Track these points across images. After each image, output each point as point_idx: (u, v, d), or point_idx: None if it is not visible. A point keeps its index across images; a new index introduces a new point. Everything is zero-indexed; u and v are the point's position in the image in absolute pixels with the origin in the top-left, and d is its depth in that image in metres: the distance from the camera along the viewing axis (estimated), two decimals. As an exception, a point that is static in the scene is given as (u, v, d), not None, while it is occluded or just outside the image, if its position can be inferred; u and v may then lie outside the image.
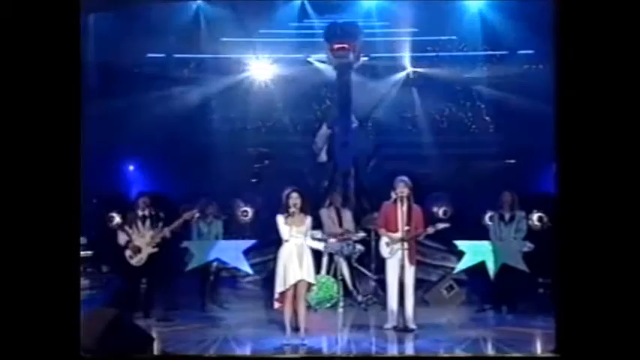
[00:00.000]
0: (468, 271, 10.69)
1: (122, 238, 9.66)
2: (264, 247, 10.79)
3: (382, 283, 9.58)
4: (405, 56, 12.80)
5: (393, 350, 8.01)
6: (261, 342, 7.95)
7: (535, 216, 11.39)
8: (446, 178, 12.75)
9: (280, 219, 7.81)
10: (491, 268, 10.15)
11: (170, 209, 10.12)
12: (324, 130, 12.83)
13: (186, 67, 13.19)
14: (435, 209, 12.01)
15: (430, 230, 8.91)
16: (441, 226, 9.04)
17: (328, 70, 12.56)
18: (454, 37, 12.78)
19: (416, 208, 8.75)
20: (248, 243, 10.91)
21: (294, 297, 7.78)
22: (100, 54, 11.36)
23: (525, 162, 12.30)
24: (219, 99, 13.26)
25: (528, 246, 10.10)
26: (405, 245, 8.62)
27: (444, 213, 12.12)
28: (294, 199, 7.75)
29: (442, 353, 7.47)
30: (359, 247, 10.82)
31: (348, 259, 10.61)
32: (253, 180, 13.55)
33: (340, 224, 10.62)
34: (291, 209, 7.74)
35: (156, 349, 7.01)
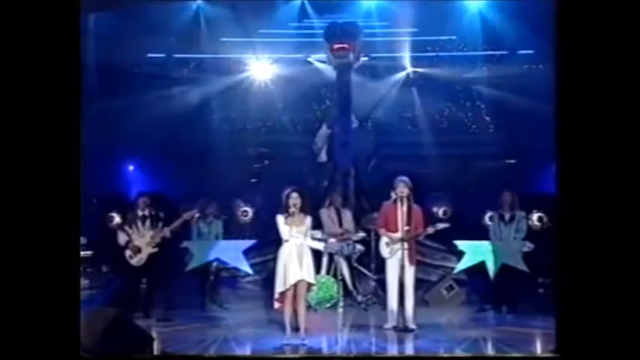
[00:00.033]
0: (468, 271, 10.69)
1: (122, 238, 9.67)
2: (264, 247, 10.79)
3: (382, 283, 9.58)
4: (405, 56, 12.80)
5: (393, 350, 8.01)
6: (261, 342, 7.95)
7: (535, 216, 11.39)
8: (446, 178, 12.75)
9: (280, 219, 7.81)
10: (491, 268, 10.15)
11: (170, 209, 10.13)
12: (324, 130, 12.83)
13: (186, 67, 13.18)
14: (435, 209, 12.01)
15: (430, 230, 8.91)
16: (440, 226, 9.04)
17: (328, 70, 12.56)
18: (454, 37, 12.77)
19: (416, 208, 8.75)
20: (248, 243, 10.91)
21: (294, 297, 7.78)
22: (100, 54, 11.36)
23: (525, 162, 12.29)
24: (219, 99, 13.25)
25: (528, 246, 10.10)
26: (405, 245, 8.62)
27: (444, 213, 12.12)
28: (294, 199, 7.75)
29: (442, 353, 7.47)
30: (359, 247, 10.82)
31: (348, 259, 10.61)
32: (253, 180, 13.54)
33: (340, 224, 10.62)
34: (291, 209, 7.74)
35: (156, 349, 7.00)
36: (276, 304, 7.92)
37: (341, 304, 10.11)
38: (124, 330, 6.24)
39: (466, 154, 13.02)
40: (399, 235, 8.67)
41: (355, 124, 12.52)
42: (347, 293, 10.47)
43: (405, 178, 8.74)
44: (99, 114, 10.54)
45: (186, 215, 9.78)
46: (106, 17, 11.36)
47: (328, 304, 10.07)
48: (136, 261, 9.58)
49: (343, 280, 10.34)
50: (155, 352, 6.85)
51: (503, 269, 10.05)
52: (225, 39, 12.44)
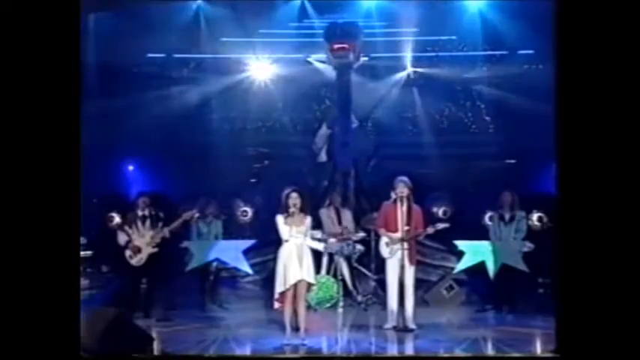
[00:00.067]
0: (467, 271, 10.70)
1: (122, 238, 9.67)
2: (263, 247, 10.79)
3: (382, 283, 9.58)
4: (405, 56, 12.78)
5: (392, 350, 8.00)
6: (261, 342, 7.95)
7: (535, 216, 11.38)
8: (446, 178, 12.73)
9: (280, 219, 7.80)
10: (491, 268, 10.16)
11: (170, 209, 10.13)
12: (324, 130, 12.83)
13: (185, 67, 13.17)
14: (434, 209, 12.00)
15: (430, 230, 8.90)
16: (440, 226, 9.04)
17: (328, 70, 12.55)
18: (454, 37, 12.75)
19: (416, 208, 8.75)
20: (248, 243, 10.92)
21: (294, 297, 7.77)
22: (99, 54, 11.35)
23: (525, 162, 12.27)
24: (219, 99, 13.23)
25: (528, 246, 10.10)
26: (405, 245, 8.62)
27: (444, 213, 12.11)
28: (294, 199, 7.75)
29: (442, 353, 7.47)
30: (359, 247, 10.82)
31: (348, 259, 10.61)
32: (253, 180, 13.52)
33: (340, 224, 10.62)
34: (291, 209, 7.74)
35: (156, 349, 7.00)
36: (276, 304, 7.91)
37: (341, 304, 10.12)
38: (124, 330, 6.25)
39: (466, 154, 13.00)
40: (399, 235, 8.67)
41: (355, 124, 12.52)
42: (347, 293, 10.47)
43: (405, 178, 8.74)
44: (99, 114, 10.53)
45: (185, 215, 9.78)
46: (106, 17, 11.34)
47: (328, 304, 10.07)
48: (136, 261, 9.58)
49: (343, 280, 10.34)
50: (155, 352, 6.86)
51: (503, 269, 10.05)
52: (225, 39, 12.43)
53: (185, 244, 10.46)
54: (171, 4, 11.95)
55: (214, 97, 13.17)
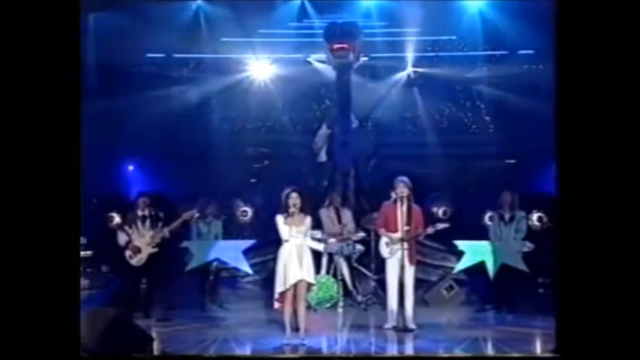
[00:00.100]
0: (467, 271, 10.70)
1: (122, 238, 9.67)
2: (263, 247, 10.79)
3: (382, 283, 9.58)
4: (405, 56, 12.77)
5: (392, 350, 8.01)
6: (261, 342, 7.95)
7: (535, 216, 11.37)
8: (446, 178, 12.73)
9: (280, 219, 7.80)
10: (490, 268, 10.16)
11: (170, 209, 10.13)
12: (324, 129, 12.83)
13: (185, 67, 13.16)
14: (434, 209, 11.99)
15: (430, 230, 8.91)
16: (440, 226, 9.05)
17: (328, 70, 12.55)
18: (454, 37, 12.75)
19: (416, 208, 8.75)
20: (248, 243, 10.93)
21: (294, 297, 7.78)
22: (99, 54, 11.34)
23: (525, 162, 12.26)
24: (218, 99, 13.22)
25: (528, 246, 10.11)
26: (405, 245, 8.62)
27: (444, 213, 12.10)
28: (294, 199, 7.75)
29: (442, 353, 7.47)
30: (359, 247, 10.82)
31: (348, 259, 10.61)
32: (253, 180, 13.51)
33: (340, 224, 10.61)
34: (291, 209, 7.74)
35: (156, 349, 7.00)
36: (276, 304, 7.91)
37: (341, 304, 10.12)
38: (124, 330, 6.24)
39: (466, 154, 12.99)
40: (398, 235, 8.67)
41: (355, 124, 12.52)
42: (347, 293, 10.48)
43: (405, 178, 8.75)
44: (99, 114, 10.53)
45: (185, 215, 9.78)
46: (106, 17, 11.33)
47: (328, 304, 10.07)
48: (136, 261, 9.58)
49: (343, 280, 10.34)
50: (155, 352, 6.85)
51: (503, 269, 10.06)
52: (225, 39, 12.42)
53: (185, 244, 10.46)
54: (171, 4, 11.94)
55: (214, 97, 13.17)
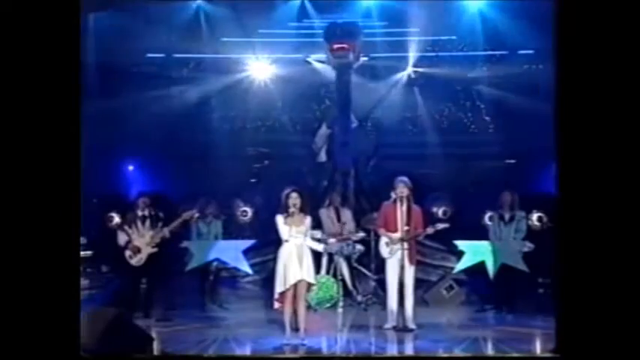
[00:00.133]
0: (467, 271, 10.70)
1: (122, 238, 9.67)
2: (263, 247, 10.80)
3: (382, 283, 9.58)
4: (405, 56, 12.77)
5: (392, 350, 8.00)
6: (261, 342, 7.95)
7: (535, 216, 11.37)
8: (446, 178, 12.74)
9: (280, 219, 7.80)
10: (490, 268, 10.16)
11: (170, 209, 10.13)
12: (324, 129, 12.83)
13: (185, 67, 13.16)
14: (434, 209, 11.99)
15: (430, 230, 8.91)
16: (440, 226, 9.04)
17: (328, 70, 12.55)
18: (454, 37, 12.76)
19: (416, 208, 8.75)
20: (248, 243, 10.93)
21: (294, 297, 7.77)
22: (99, 54, 11.35)
23: (525, 162, 12.27)
24: (218, 99, 13.23)
25: (528, 246, 10.11)
26: (405, 245, 8.62)
27: (444, 213, 12.10)
28: (294, 199, 7.75)
29: (442, 353, 7.47)
30: (359, 247, 10.82)
31: (347, 259, 10.61)
32: (253, 180, 13.52)
33: (340, 224, 10.60)
34: (291, 209, 7.74)
35: (156, 349, 7.00)
36: (276, 304, 7.91)
37: (341, 304, 10.09)
38: (124, 330, 6.24)
39: (466, 154, 13.00)
40: (398, 235, 8.67)
41: (355, 124, 12.52)
42: (347, 293, 10.47)
43: (405, 179, 8.75)
44: (99, 114, 10.52)
45: (185, 215, 9.78)
46: (106, 17, 11.34)
47: (328, 304, 10.07)
48: (136, 261, 9.58)
49: (343, 280, 10.32)
50: (155, 352, 6.85)
51: (503, 269, 10.06)
52: (224, 39, 12.43)
53: (185, 244, 10.46)
54: (171, 4, 11.95)
55: (214, 96, 13.17)
